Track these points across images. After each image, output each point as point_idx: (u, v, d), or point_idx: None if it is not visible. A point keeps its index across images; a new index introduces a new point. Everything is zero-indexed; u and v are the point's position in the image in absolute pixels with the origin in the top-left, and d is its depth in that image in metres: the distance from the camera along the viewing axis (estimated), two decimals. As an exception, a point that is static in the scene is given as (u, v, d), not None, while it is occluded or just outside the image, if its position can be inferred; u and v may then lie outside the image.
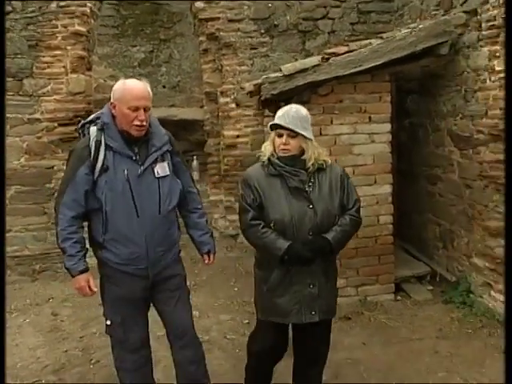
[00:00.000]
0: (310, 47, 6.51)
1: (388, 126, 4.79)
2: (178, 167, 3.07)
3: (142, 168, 2.83)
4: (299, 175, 2.83)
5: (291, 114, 2.81)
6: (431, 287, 5.21)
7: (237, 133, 6.53)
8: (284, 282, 2.88)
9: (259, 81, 4.66)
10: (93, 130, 2.83)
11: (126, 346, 3.05)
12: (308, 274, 2.85)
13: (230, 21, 6.41)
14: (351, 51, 4.56)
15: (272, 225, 2.82)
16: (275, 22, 6.46)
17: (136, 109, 2.73)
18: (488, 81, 4.32)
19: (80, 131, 2.97)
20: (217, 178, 6.92)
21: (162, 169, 2.90)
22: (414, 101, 5.83)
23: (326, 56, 4.55)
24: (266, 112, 5.82)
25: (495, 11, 4.13)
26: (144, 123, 2.77)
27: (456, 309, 4.68)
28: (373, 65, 4.55)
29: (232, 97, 6.49)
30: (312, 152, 2.84)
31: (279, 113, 2.86)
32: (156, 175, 2.88)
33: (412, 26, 4.86)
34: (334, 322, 4.51)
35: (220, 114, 6.71)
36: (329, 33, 6.52)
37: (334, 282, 3.05)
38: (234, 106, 6.49)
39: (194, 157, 7.37)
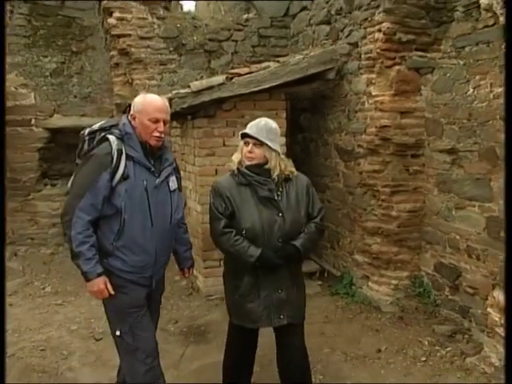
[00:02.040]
0: (215, 66, 6.98)
1: (283, 140, 5.34)
2: (178, 184, 3.14)
3: (158, 180, 2.91)
4: (267, 184, 2.92)
5: (260, 125, 2.94)
6: (320, 282, 5.82)
7: (146, 142, 6.82)
8: (254, 288, 2.96)
9: (169, 95, 5.04)
10: (112, 138, 2.82)
11: (137, 356, 2.96)
12: (276, 280, 2.95)
13: (141, 38, 6.72)
14: (252, 72, 5.10)
15: (244, 233, 2.90)
16: (183, 41, 6.87)
17: (156, 121, 2.80)
18: (366, 103, 5.03)
19: (86, 138, 2.94)
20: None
21: (173, 182, 3.01)
22: (307, 118, 6.49)
23: (230, 76, 5.05)
24: (174, 123, 6.20)
25: (371, 45, 4.83)
26: (163, 135, 2.86)
27: (340, 299, 5.32)
28: (271, 85, 5.11)
29: (142, 109, 6.78)
30: (276, 162, 2.93)
31: (250, 124, 3.00)
32: (170, 188, 2.99)
33: (304, 52, 5.50)
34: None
35: (130, 124, 6.96)
36: (232, 53, 7.04)
37: (301, 289, 3.14)
38: (144, 117, 6.77)
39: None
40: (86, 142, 2.94)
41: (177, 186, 3.04)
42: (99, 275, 2.81)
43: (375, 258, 5.11)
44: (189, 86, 5.05)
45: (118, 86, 7.04)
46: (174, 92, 5.13)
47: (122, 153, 2.80)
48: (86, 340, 4.59)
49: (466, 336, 4.25)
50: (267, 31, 7.15)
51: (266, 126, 2.94)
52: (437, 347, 4.17)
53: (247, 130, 2.95)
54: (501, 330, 3.49)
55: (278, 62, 5.28)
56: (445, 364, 3.90)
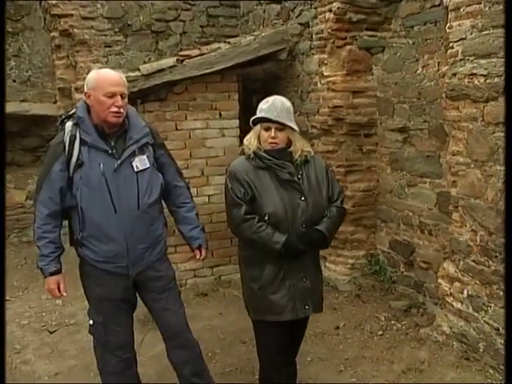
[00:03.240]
0: (163, 47, 7.10)
1: (236, 122, 5.58)
2: (163, 161, 3.06)
3: (118, 162, 2.82)
4: (287, 167, 2.85)
5: (278, 106, 2.81)
6: (278, 265, 6.12)
7: (93, 128, 6.90)
8: (277, 278, 2.88)
9: (119, 78, 5.16)
10: (68, 124, 2.84)
11: (108, 347, 3.03)
12: (300, 268, 2.89)
13: (84, 18, 6.74)
14: (203, 54, 5.28)
15: (266, 218, 2.82)
16: (129, 22, 6.94)
17: (112, 95, 2.73)
18: (318, 84, 5.31)
19: (60, 127, 2.95)
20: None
21: (140, 162, 2.89)
22: (259, 100, 6.69)
23: (181, 58, 5.22)
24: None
25: (322, 25, 5.11)
26: (121, 110, 2.78)
27: (298, 280, 5.62)
28: (222, 67, 5.32)
29: (87, 93, 6.85)
30: (299, 143, 2.89)
31: (263, 105, 2.86)
32: (135, 169, 2.87)
33: (255, 33, 5.72)
34: (192, 298, 5.28)
35: (75, 109, 7.02)
36: (180, 34, 7.16)
37: (321, 275, 3.12)
38: (89, 102, 6.85)
39: (48, 153, 7.56)
40: (58, 131, 2.95)
41: (148, 165, 2.91)
42: (52, 274, 2.87)
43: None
44: (138, 69, 5.19)
45: (61, 69, 7.06)
46: (124, 75, 5.24)
47: (75, 138, 2.78)
48: (39, 333, 4.73)
49: (421, 310, 4.64)
50: (216, 10, 7.30)
51: (283, 106, 2.83)
52: (393, 321, 4.53)
53: (266, 115, 2.80)
54: (451, 300, 3.86)
55: (228, 43, 5.48)
56: (400, 336, 4.26)
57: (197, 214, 3.26)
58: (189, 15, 7.21)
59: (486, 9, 3.26)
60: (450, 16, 3.59)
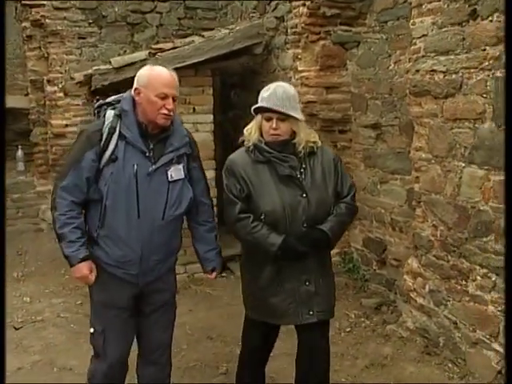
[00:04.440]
0: (139, 39, 7.35)
1: (210, 117, 5.81)
2: (194, 174, 3.01)
3: (153, 167, 2.80)
4: (289, 161, 2.76)
5: (279, 94, 2.73)
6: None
7: (65, 122, 7.13)
8: (277, 280, 2.82)
9: (90, 71, 5.40)
10: (109, 114, 2.81)
11: (104, 359, 2.97)
12: (303, 270, 2.80)
13: (57, 8, 6.98)
14: (176, 47, 5.51)
15: (262, 217, 2.76)
16: (103, 13, 7.18)
17: (165, 96, 2.72)
18: (293, 79, 5.55)
19: (95, 112, 2.95)
20: (44, 168, 7.47)
21: (176, 172, 2.86)
22: (237, 94, 6.97)
23: (153, 51, 5.45)
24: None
25: (297, 20, 5.36)
26: (172, 113, 2.77)
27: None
28: (196, 61, 5.54)
29: (60, 86, 7.08)
30: (304, 134, 2.80)
31: (264, 93, 2.80)
32: (169, 178, 2.84)
33: (230, 27, 5.96)
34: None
35: (47, 102, 7.26)
36: (157, 26, 7.42)
37: (331, 278, 3.00)
38: (62, 94, 7.09)
39: (19, 147, 7.78)
40: (95, 115, 2.96)
41: (183, 176, 2.89)
42: (82, 260, 2.79)
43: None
44: (110, 62, 5.42)
45: (33, 60, 7.29)
46: (95, 68, 5.49)
47: (114, 131, 2.76)
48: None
49: (391, 307, 4.88)
50: (194, 3, 7.55)
51: (286, 94, 2.74)
52: (362, 319, 4.77)
53: (267, 104, 2.74)
54: (414, 295, 4.11)
55: (202, 36, 5.71)
56: (367, 333, 4.50)
57: (216, 235, 3.18)
58: (166, 7, 7.46)
59: (445, 6, 3.51)
60: (413, 13, 3.84)
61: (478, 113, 3.33)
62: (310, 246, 2.74)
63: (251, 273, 2.95)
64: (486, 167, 3.32)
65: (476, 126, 3.37)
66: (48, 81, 7.18)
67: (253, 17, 6.38)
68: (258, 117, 2.83)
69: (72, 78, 6.63)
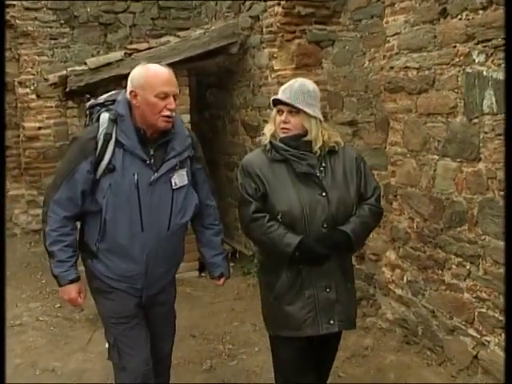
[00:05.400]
0: (112, 40, 7.50)
1: (187, 117, 5.96)
2: (198, 176, 2.91)
3: (156, 175, 2.67)
4: (307, 159, 2.69)
5: (294, 87, 2.70)
6: (232, 264, 6.50)
7: (38, 124, 7.27)
8: (294, 287, 2.71)
9: (64, 73, 5.53)
10: (104, 118, 2.66)
11: (124, 378, 2.87)
12: (323, 275, 2.69)
13: (27, 9, 7.11)
14: (151, 48, 5.68)
15: (279, 217, 2.67)
16: (75, 13, 7.33)
17: (165, 96, 2.58)
18: (269, 78, 5.76)
19: (87, 112, 2.86)
20: (17, 171, 7.56)
21: (180, 178, 2.75)
22: (213, 94, 7.15)
23: (129, 52, 5.61)
24: (70, 103, 6.66)
25: (272, 19, 5.56)
26: (174, 114, 2.65)
27: (252, 277, 6.04)
28: (172, 61, 5.69)
29: (32, 87, 7.20)
30: (318, 132, 2.71)
31: (282, 87, 2.78)
32: (173, 186, 2.73)
33: (206, 26, 6.14)
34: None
35: (19, 105, 7.37)
36: (130, 26, 7.59)
37: (352, 284, 2.91)
38: (34, 96, 7.22)
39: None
40: (88, 117, 2.85)
41: (187, 182, 2.78)
42: (71, 282, 2.71)
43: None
44: (85, 63, 5.56)
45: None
46: (70, 69, 5.62)
47: (110, 138, 2.61)
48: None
49: (371, 301, 5.09)
50: (168, 2, 7.74)
51: (301, 88, 2.70)
52: (343, 313, 5.00)
53: (279, 95, 2.73)
54: (393, 287, 4.34)
55: (178, 36, 5.89)
56: (347, 326, 4.73)
57: (222, 239, 3.11)
58: (139, 7, 7.64)
59: (417, 5, 3.75)
60: (386, 11, 4.07)
61: (450, 107, 3.57)
62: (329, 248, 2.63)
63: (267, 280, 2.84)
64: (458, 159, 3.56)
65: (448, 120, 3.60)
66: (19, 83, 7.28)
67: (227, 16, 6.57)
68: (274, 111, 2.80)
69: (45, 80, 6.74)
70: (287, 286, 2.70)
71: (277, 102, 2.74)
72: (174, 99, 2.64)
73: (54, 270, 2.72)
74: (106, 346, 2.96)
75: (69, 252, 2.70)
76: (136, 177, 2.63)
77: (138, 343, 2.87)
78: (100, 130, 2.64)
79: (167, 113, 2.60)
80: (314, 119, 2.71)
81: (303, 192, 2.67)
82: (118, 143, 2.62)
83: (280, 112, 2.72)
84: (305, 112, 2.68)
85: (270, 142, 2.74)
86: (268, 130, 2.80)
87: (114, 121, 2.64)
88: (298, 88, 2.69)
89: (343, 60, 5.39)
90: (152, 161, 2.67)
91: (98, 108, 2.76)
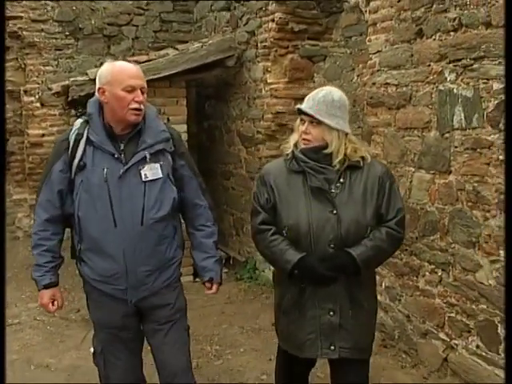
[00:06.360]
0: (115, 51, 7.74)
1: (184, 127, 6.19)
2: (182, 173, 2.84)
3: (124, 168, 2.65)
4: (325, 173, 2.56)
5: (318, 97, 2.58)
6: (226, 270, 6.70)
7: (42, 131, 7.51)
8: (298, 305, 2.61)
9: (67, 82, 5.76)
10: (78, 121, 2.76)
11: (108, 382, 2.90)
12: (328, 297, 2.55)
13: (34, 21, 7.37)
14: (150, 60, 5.91)
15: (285, 231, 2.58)
16: (80, 25, 7.58)
17: (132, 89, 2.58)
18: (263, 90, 5.98)
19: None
20: (21, 176, 7.81)
21: (151, 171, 2.69)
22: (212, 105, 7.38)
23: (128, 63, 5.84)
24: (72, 112, 6.90)
25: (266, 34, 5.79)
26: (142, 106, 2.64)
27: (244, 282, 6.25)
28: (170, 73, 5.94)
29: (37, 96, 7.46)
30: (339, 145, 2.56)
31: (308, 95, 2.69)
32: (143, 178, 2.68)
33: (203, 40, 6.38)
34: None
35: (24, 112, 7.63)
36: (133, 39, 7.84)
37: (367, 313, 2.68)
38: (38, 105, 7.48)
39: (-5, 156, 8.12)
40: None
41: (160, 175, 2.72)
42: (45, 287, 2.74)
43: (275, 241, 6.07)
44: (86, 74, 5.80)
45: (10, 71, 7.64)
46: (72, 79, 5.87)
47: (81, 137, 2.67)
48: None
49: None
50: (169, 16, 7.99)
51: (325, 98, 2.57)
52: (328, 318, 5.17)
53: (302, 105, 2.63)
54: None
55: (176, 49, 6.13)
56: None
57: (215, 242, 2.97)
58: (142, 20, 7.89)
59: (396, 25, 3.95)
60: (369, 30, 4.28)
61: (425, 122, 3.77)
62: (332, 269, 2.49)
63: (277, 292, 2.78)
64: (432, 171, 3.75)
65: (423, 134, 3.80)
66: (25, 91, 7.54)
67: (226, 31, 6.80)
68: (298, 120, 2.70)
69: (49, 89, 6.99)
70: (291, 303, 2.63)
71: (300, 112, 2.64)
72: (142, 92, 2.64)
73: (32, 273, 2.79)
74: (91, 350, 2.98)
75: (47, 257, 2.74)
76: (105, 171, 2.64)
77: (126, 357, 2.86)
78: (72, 131, 2.72)
79: (135, 105, 2.60)
80: (336, 131, 2.55)
81: (313, 207, 2.54)
82: (88, 141, 2.67)
83: (302, 122, 2.62)
84: (326, 124, 2.55)
85: (292, 152, 2.65)
86: (292, 138, 2.69)
87: (86, 122, 2.72)
88: (321, 97, 2.57)
89: (334, 75, 5.60)
90: (122, 155, 2.67)
91: (81, 115, 2.92)
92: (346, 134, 2.61)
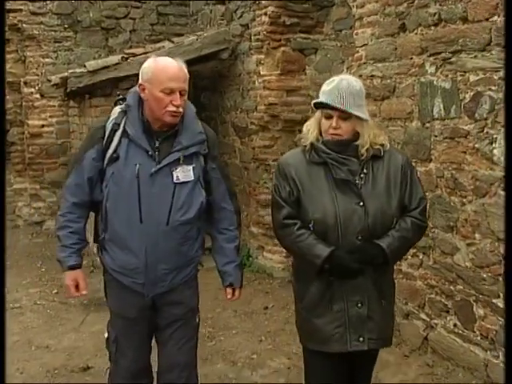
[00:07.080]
0: (113, 44, 7.90)
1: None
2: (212, 176, 2.79)
3: (156, 167, 2.63)
4: (348, 164, 2.48)
5: (342, 88, 2.42)
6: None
7: (42, 122, 7.68)
8: (324, 299, 2.53)
9: (66, 74, 5.92)
10: (115, 110, 2.71)
11: (118, 370, 2.90)
12: (356, 290, 2.49)
13: (33, 13, 7.52)
14: (147, 53, 6.06)
15: (311, 225, 2.50)
16: (78, 18, 7.74)
17: (171, 92, 2.54)
18: (256, 82, 6.15)
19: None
20: (21, 166, 7.99)
21: (183, 173, 2.67)
22: (207, 97, 7.54)
23: (126, 56, 6.01)
24: (71, 103, 7.06)
25: (259, 28, 5.95)
26: (180, 109, 2.59)
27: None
28: (165, 65, 6.09)
29: (36, 87, 7.62)
30: (367, 135, 2.49)
31: (326, 87, 2.48)
32: (174, 180, 2.65)
33: (199, 33, 6.55)
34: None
35: (24, 103, 7.80)
36: (130, 31, 7.98)
37: (390, 300, 2.68)
38: (38, 96, 7.64)
39: (-4, 146, 8.28)
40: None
41: (192, 178, 2.68)
42: (70, 268, 2.74)
43: (268, 228, 6.23)
44: (84, 66, 5.96)
45: (10, 63, 7.79)
46: (70, 71, 6.04)
47: (118, 128, 2.65)
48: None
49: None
50: (166, 9, 8.13)
51: (350, 89, 2.43)
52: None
53: (327, 99, 2.44)
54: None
55: (172, 42, 6.29)
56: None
57: (237, 246, 2.92)
58: (139, 13, 8.03)
59: (381, 19, 4.12)
60: (356, 24, 4.45)
61: (407, 113, 3.95)
62: (362, 262, 2.44)
63: (298, 288, 2.69)
64: (414, 160, 3.90)
65: (406, 124, 3.98)
66: (25, 83, 7.71)
67: (220, 24, 6.96)
68: (318, 113, 2.55)
69: (48, 81, 7.15)
70: (316, 297, 2.54)
71: (322, 105, 2.47)
72: (181, 95, 2.58)
73: (57, 254, 2.78)
74: (106, 335, 2.98)
75: (73, 239, 2.74)
76: (137, 167, 2.61)
77: (138, 347, 2.86)
78: (109, 120, 2.69)
79: (172, 108, 2.56)
80: (366, 122, 2.51)
81: (339, 200, 2.46)
82: (124, 133, 2.65)
83: (328, 116, 2.47)
84: (357, 116, 2.45)
85: (311, 144, 2.54)
86: (309, 132, 2.55)
87: (124, 112, 2.68)
88: (346, 89, 2.42)
89: (325, 67, 5.77)
90: (156, 153, 2.65)
91: (120, 102, 2.77)
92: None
